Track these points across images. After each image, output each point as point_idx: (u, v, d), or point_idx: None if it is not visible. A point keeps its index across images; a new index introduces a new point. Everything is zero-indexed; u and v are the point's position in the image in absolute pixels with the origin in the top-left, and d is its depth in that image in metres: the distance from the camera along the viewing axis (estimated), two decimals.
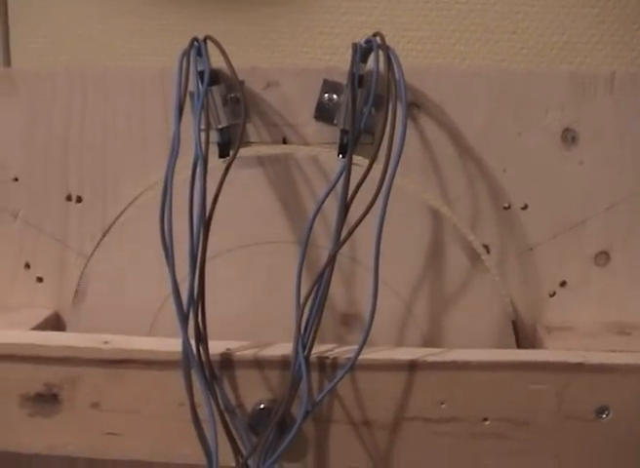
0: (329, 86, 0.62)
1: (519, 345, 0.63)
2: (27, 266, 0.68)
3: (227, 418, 0.56)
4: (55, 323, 0.67)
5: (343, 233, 0.55)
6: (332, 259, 0.54)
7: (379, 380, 0.55)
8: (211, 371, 0.55)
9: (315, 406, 0.55)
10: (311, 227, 0.56)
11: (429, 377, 0.55)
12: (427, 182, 0.63)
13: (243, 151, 0.60)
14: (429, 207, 0.62)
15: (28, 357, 0.57)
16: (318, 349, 0.56)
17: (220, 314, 0.57)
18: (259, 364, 0.56)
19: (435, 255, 0.62)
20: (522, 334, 0.64)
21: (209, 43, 0.60)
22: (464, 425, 0.55)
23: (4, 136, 0.66)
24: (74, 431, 0.58)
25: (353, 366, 0.54)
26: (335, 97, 0.62)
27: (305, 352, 0.54)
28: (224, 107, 0.61)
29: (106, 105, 0.64)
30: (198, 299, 0.53)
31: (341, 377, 0.54)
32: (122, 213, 0.64)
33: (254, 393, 0.56)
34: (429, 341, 0.63)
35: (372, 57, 0.58)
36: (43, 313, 0.67)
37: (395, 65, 0.57)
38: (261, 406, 0.56)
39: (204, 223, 0.53)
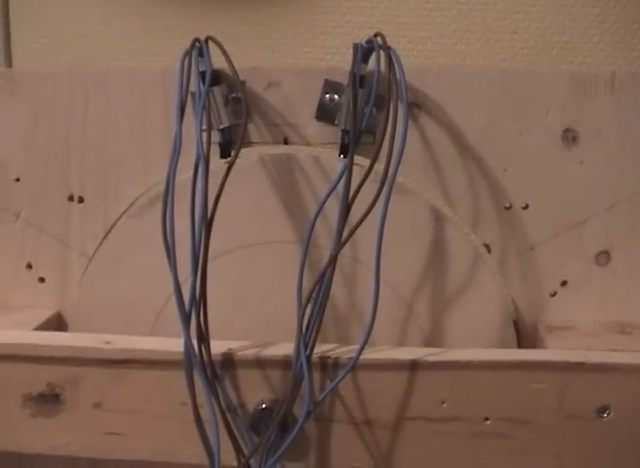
0: (330, 86, 0.62)
1: (520, 345, 0.64)
2: (29, 266, 0.68)
3: (229, 418, 0.56)
4: (57, 323, 0.68)
5: (345, 233, 0.55)
6: (333, 260, 0.54)
7: (380, 380, 0.55)
8: (213, 371, 0.55)
9: (317, 405, 0.55)
10: (313, 227, 0.57)
11: (431, 377, 0.55)
12: (428, 182, 0.63)
13: (244, 151, 0.61)
14: (430, 206, 0.62)
15: (31, 357, 0.57)
16: (320, 349, 0.56)
17: (221, 314, 0.57)
18: (260, 363, 0.56)
19: (436, 255, 0.62)
20: (523, 334, 0.64)
21: (210, 43, 0.60)
22: (466, 424, 0.55)
23: (6, 137, 0.66)
24: (76, 431, 0.58)
25: (355, 365, 0.54)
26: (336, 97, 0.62)
27: (307, 352, 0.54)
28: (226, 107, 0.61)
29: (108, 105, 0.65)
30: (200, 299, 0.53)
31: (343, 377, 0.54)
32: (124, 213, 0.64)
33: (255, 393, 0.56)
34: (430, 341, 0.63)
35: (373, 57, 0.59)
36: (45, 313, 0.67)
37: (396, 66, 0.57)
38: (263, 405, 0.56)
39: (206, 224, 0.53)
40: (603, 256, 0.64)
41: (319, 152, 0.62)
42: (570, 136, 0.62)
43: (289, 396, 0.54)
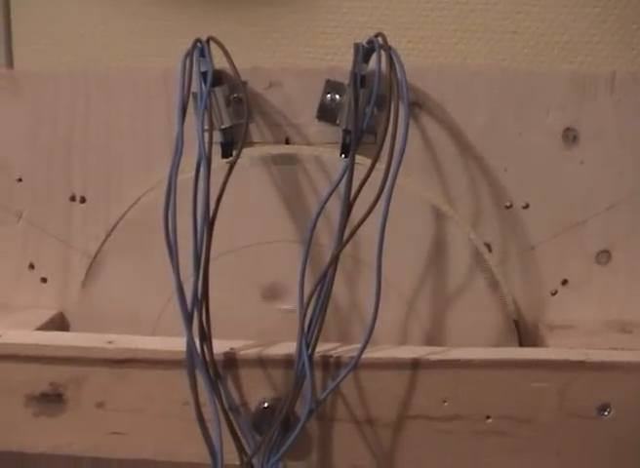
0: (331, 86, 0.62)
1: (521, 343, 0.64)
2: (31, 267, 0.68)
3: (231, 417, 0.56)
4: (59, 323, 0.68)
5: (346, 232, 0.55)
6: (335, 259, 0.54)
7: (382, 379, 0.56)
8: (215, 371, 0.55)
9: (319, 404, 0.55)
10: (314, 227, 0.57)
11: (432, 376, 0.55)
12: (429, 181, 0.63)
13: (246, 151, 0.61)
14: (431, 206, 0.62)
15: (33, 357, 0.57)
16: (322, 348, 0.56)
17: (223, 313, 0.57)
18: (262, 363, 0.56)
19: (437, 254, 0.62)
20: (524, 333, 0.64)
21: (211, 44, 0.60)
22: (467, 423, 0.56)
23: (8, 137, 0.66)
24: (79, 430, 0.58)
25: (356, 364, 0.54)
26: (337, 97, 0.62)
27: (309, 351, 0.54)
28: (227, 108, 0.61)
29: (110, 106, 0.65)
30: (202, 299, 0.54)
31: (345, 376, 0.54)
32: (126, 212, 0.64)
33: (258, 392, 0.56)
34: (432, 340, 0.63)
35: (374, 57, 0.59)
36: (47, 313, 0.67)
37: (397, 65, 0.57)
38: (265, 404, 0.56)
39: (208, 223, 0.53)
40: (603, 256, 0.64)
41: (320, 152, 0.62)
42: (570, 136, 0.62)
43: (291, 395, 0.54)
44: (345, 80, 0.61)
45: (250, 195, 0.62)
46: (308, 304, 0.55)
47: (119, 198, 0.66)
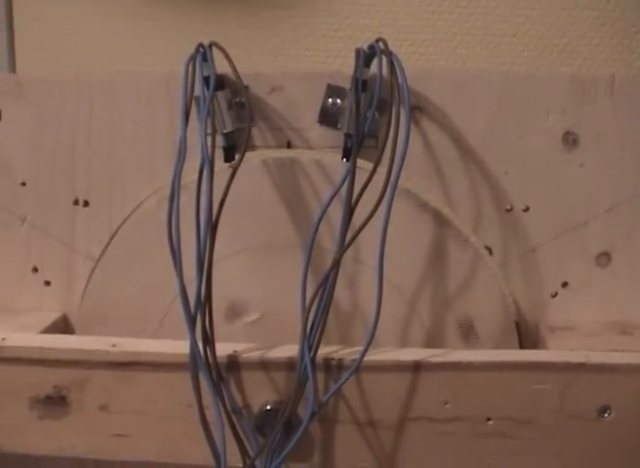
0: (333, 90, 0.62)
1: (522, 345, 0.64)
2: (35, 270, 0.68)
3: (234, 420, 0.56)
4: (63, 326, 0.68)
5: (348, 235, 0.55)
6: (336, 263, 0.55)
7: (384, 381, 0.56)
8: (218, 373, 0.55)
9: (321, 406, 0.55)
10: (316, 231, 0.57)
11: (433, 378, 0.55)
12: (430, 185, 0.64)
13: (248, 155, 0.61)
14: (432, 209, 0.62)
15: (37, 360, 0.58)
16: (324, 350, 0.56)
17: (225, 316, 0.58)
18: (265, 365, 0.56)
19: (438, 257, 0.62)
20: (525, 334, 0.65)
21: (213, 48, 0.61)
22: (468, 425, 0.56)
23: (12, 141, 0.67)
24: (83, 433, 0.59)
25: (358, 367, 0.54)
26: (338, 101, 0.62)
27: (311, 353, 0.55)
28: (229, 112, 0.62)
29: (113, 111, 0.65)
30: (205, 302, 0.54)
31: (347, 378, 0.54)
32: (129, 216, 0.65)
33: (260, 394, 0.57)
34: (433, 341, 0.63)
35: (375, 61, 0.59)
36: (51, 316, 0.67)
37: (398, 70, 0.58)
38: (268, 407, 0.57)
39: (211, 227, 0.54)
40: (603, 258, 0.64)
41: (322, 156, 0.63)
42: (570, 139, 0.63)
43: (293, 397, 0.55)
44: (347, 84, 0.61)
45: (251, 198, 0.63)
46: (310, 307, 0.55)
47: (122, 202, 0.66)
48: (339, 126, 0.62)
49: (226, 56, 0.60)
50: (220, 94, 0.61)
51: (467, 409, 0.56)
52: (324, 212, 0.57)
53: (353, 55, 0.60)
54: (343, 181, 0.56)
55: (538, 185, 0.63)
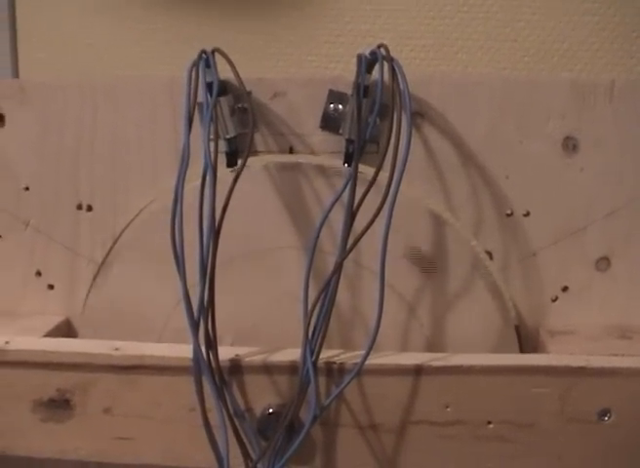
0: (334, 96, 0.63)
1: (522, 349, 0.64)
2: (39, 274, 0.69)
3: (237, 423, 0.56)
4: (66, 329, 0.68)
5: (349, 240, 0.55)
6: (338, 267, 0.55)
7: (385, 385, 0.56)
8: (221, 377, 0.56)
9: (323, 410, 0.56)
10: (318, 236, 0.57)
11: (434, 382, 0.56)
12: (431, 189, 0.64)
13: (251, 160, 0.61)
14: (433, 214, 0.62)
15: (41, 363, 0.58)
16: (325, 354, 0.56)
17: (228, 320, 0.58)
18: (267, 369, 0.57)
19: (439, 261, 0.63)
20: (525, 339, 0.65)
21: (216, 54, 0.61)
22: (469, 428, 0.56)
23: (16, 146, 0.67)
24: (86, 436, 0.59)
25: (360, 371, 0.55)
26: (340, 107, 0.63)
27: (313, 357, 0.55)
28: (232, 117, 0.62)
29: (116, 115, 0.66)
30: (208, 306, 0.54)
31: (349, 382, 0.55)
32: (132, 220, 0.65)
33: (263, 398, 0.57)
34: (433, 346, 0.64)
35: (376, 67, 0.59)
36: (54, 320, 0.68)
37: (399, 76, 0.58)
38: (270, 410, 0.57)
39: (214, 232, 0.54)
40: (603, 262, 0.64)
41: (324, 161, 0.63)
42: (570, 144, 0.63)
43: (295, 401, 0.55)
44: (349, 90, 0.61)
45: (254, 203, 0.63)
46: (312, 311, 0.56)
47: (125, 206, 0.66)
48: (340, 131, 0.62)
49: (229, 62, 0.60)
50: (222, 99, 0.61)
51: (468, 413, 0.56)
52: (326, 217, 0.57)
53: (355, 60, 0.61)
54: (345, 186, 0.57)
55: (538, 190, 0.64)
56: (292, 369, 0.56)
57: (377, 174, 0.55)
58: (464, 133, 0.63)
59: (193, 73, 0.59)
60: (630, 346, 0.62)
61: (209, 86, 0.59)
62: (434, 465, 0.57)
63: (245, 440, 0.57)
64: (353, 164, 0.57)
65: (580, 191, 0.64)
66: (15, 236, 0.68)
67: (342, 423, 0.57)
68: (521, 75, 0.72)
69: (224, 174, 0.60)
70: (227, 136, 0.62)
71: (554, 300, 0.65)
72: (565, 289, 0.65)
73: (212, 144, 0.56)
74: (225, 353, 0.56)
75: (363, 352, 0.55)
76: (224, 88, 0.61)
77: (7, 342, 0.59)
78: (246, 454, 0.56)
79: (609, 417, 0.55)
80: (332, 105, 0.63)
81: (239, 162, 0.60)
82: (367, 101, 0.60)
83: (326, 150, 0.64)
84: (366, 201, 0.55)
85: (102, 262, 0.65)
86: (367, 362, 0.55)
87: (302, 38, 0.75)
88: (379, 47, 0.59)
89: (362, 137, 0.58)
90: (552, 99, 0.63)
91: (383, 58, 0.59)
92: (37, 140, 0.67)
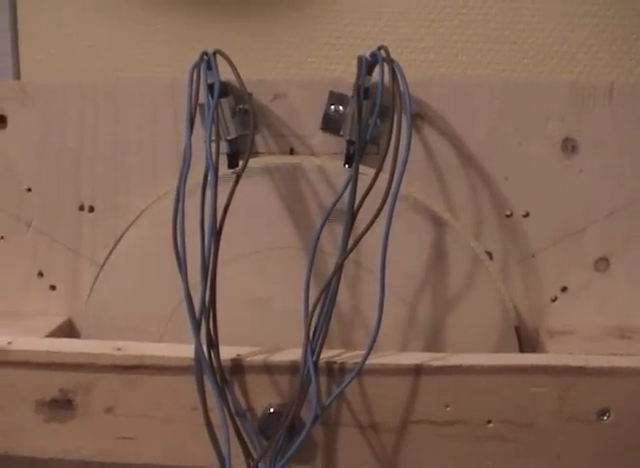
0: (335, 97, 0.63)
1: (521, 349, 0.64)
2: (41, 275, 0.69)
3: (238, 422, 0.57)
4: (68, 330, 0.69)
5: (350, 241, 0.56)
6: (339, 268, 0.55)
7: (385, 384, 0.56)
8: (222, 377, 0.56)
9: (324, 410, 0.56)
10: (319, 237, 0.58)
11: (434, 381, 0.56)
12: (432, 191, 0.64)
13: (251, 162, 0.61)
14: (433, 215, 0.63)
15: (43, 363, 0.58)
16: (326, 354, 0.57)
17: (229, 320, 0.58)
18: (268, 369, 0.57)
19: (439, 262, 0.63)
20: (525, 339, 0.65)
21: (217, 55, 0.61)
22: (469, 427, 0.56)
23: (18, 147, 0.67)
24: (88, 436, 0.59)
25: (361, 370, 0.55)
26: (341, 108, 0.63)
27: (314, 357, 0.55)
28: (233, 119, 0.62)
29: (117, 117, 0.66)
30: (210, 307, 0.55)
31: (349, 382, 0.55)
32: (134, 221, 0.65)
33: (264, 397, 0.57)
34: (433, 346, 0.64)
35: (377, 69, 0.60)
36: (56, 320, 0.68)
37: (399, 78, 0.58)
38: (271, 410, 0.57)
39: (215, 233, 0.54)
40: (602, 263, 0.65)
41: (324, 162, 0.63)
42: (569, 146, 0.63)
43: (296, 400, 0.55)
44: (349, 92, 0.62)
45: (255, 204, 0.63)
46: (313, 312, 0.56)
47: (127, 207, 0.66)
48: (341, 132, 0.63)
49: (230, 63, 0.60)
50: (223, 101, 0.61)
51: (468, 413, 0.56)
52: (326, 217, 0.57)
53: (355, 62, 0.61)
54: (346, 187, 0.57)
55: (537, 191, 0.64)
56: (293, 368, 0.56)
57: (377, 175, 0.55)
58: (464, 134, 0.64)
59: (194, 75, 0.59)
60: (629, 346, 0.62)
61: (210, 87, 0.60)
62: (434, 464, 0.58)
63: (246, 439, 0.57)
64: (354, 165, 0.57)
65: (580, 192, 0.64)
66: (17, 237, 0.69)
67: (343, 423, 0.57)
68: (520, 77, 0.73)
69: (226, 175, 0.60)
70: (228, 138, 0.62)
71: (554, 301, 0.66)
72: (564, 289, 0.65)
73: (213, 146, 0.56)
74: (227, 353, 0.56)
75: (363, 352, 0.55)
76: (225, 89, 0.62)
77: (9, 343, 0.59)
78: (247, 454, 0.57)
79: (608, 417, 0.56)
80: (332, 107, 0.63)
81: (240, 163, 0.60)
82: (367, 103, 0.60)
83: (326, 151, 0.64)
84: (367, 202, 0.55)
85: (104, 263, 0.66)
86: (367, 362, 0.55)
87: (302, 40, 0.76)
88: (379, 49, 0.60)
89: (362, 139, 0.59)
90: (551, 101, 0.63)
91: (384, 59, 0.59)
92: (39, 142, 0.67)
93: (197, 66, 0.59)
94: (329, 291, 0.56)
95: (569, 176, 0.64)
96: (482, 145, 0.64)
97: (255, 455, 0.57)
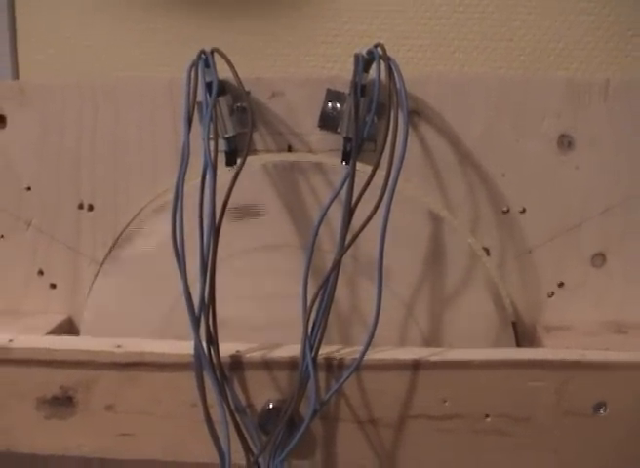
0: (332, 95, 0.63)
1: (519, 345, 0.65)
2: (41, 273, 0.69)
3: (238, 418, 0.57)
4: (68, 327, 0.69)
5: (348, 237, 0.56)
6: (337, 264, 0.56)
7: (383, 380, 0.57)
8: (222, 373, 0.56)
9: (323, 405, 0.56)
10: (317, 233, 0.58)
11: (432, 376, 0.56)
12: (429, 187, 0.65)
13: (249, 159, 0.62)
14: (430, 211, 0.63)
15: (44, 361, 0.58)
16: (325, 350, 0.57)
17: (228, 316, 0.59)
18: (267, 365, 0.57)
19: (436, 258, 0.63)
20: (522, 334, 0.66)
21: (215, 54, 0.62)
22: (467, 422, 0.57)
23: (17, 147, 0.68)
24: (89, 433, 0.60)
25: (359, 366, 0.55)
26: (338, 105, 0.63)
27: (313, 353, 0.55)
28: (231, 117, 0.62)
29: (117, 116, 0.66)
30: (209, 303, 0.55)
31: (348, 377, 0.55)
32: (133, 219, 0.66)
33: (263, 393, 0.58)
34: (431, 342, 0.64)
35: (374, 66, 0.60)
36: (57, 318, 0.68)
37: (396, 75, 0.58)
38: (271, 405, 0.57)
39: (214, 229, 0.55)
40: (598, 258, 0.65)
41: (322, 159, 0.64)
42: (565, 142, 0.64)
43: (295, 396, 0.56)
44: (346, 89, 0.62)
45: (252, 201, 0.63)
46: (312, 308, 0.56)
47: (126, 205, 0.67)
48: (338, 130, 0.63)
49: (228, 62, 0.60)
50: (221, 99, 0.62)
51: (466, 407, 0.57)
52: (324, 214, 0.58)
53: (352, 60, 0.61)
54: (343, 184, 0.57)
55: (534, 187, 0.64)
56: (292, 364, 0.57)
57: (374, 171, 0.55)
58: (461, 131, 0.64)
59: (192, 73, 0.59)
60: (626, 341, 0.62)
61: (208, 86, 0.60)
62: (433, 458, 0.58)
63: (246, 435, 0.57)
64: (351, 162, 0.57)
65: (576, 188, 0.64)
66: (17, 236, 0.69)
67: (342, 418, 0.58)
68: (517, 74, 0.73)
69: (223, 172, 0.60)
70: (226, 136, 0.62)
71: (550, 296, 0.66)
72: (561, 284, 0.66)
73: (211, 144, 0.57)
74: (226, 349, 0.57)
75: (361, 347, 0.55)
76: (223, 88, 0.62)
77: (10, 340, 0.59)
78: (247, 449, 0.57)
79: (604, 411, 0.56)
80: (330, 104, 0.63)
81: (238, 161, 0.60)
82: (364, 100, 0.60)
83: (324, 149, 0.65)
84: (364, 199, 0.55)
85: (103, 261, 0.66)
86: (366, 357, 0.55)
87: (300, 38, 0.76)
88: (375, 46, 0.60)
89: (360, 136, 0.59)
90: (548, 98, 0.63)
91: (380, 56, 0.59)
92: (38, 141, 0.67)
93: (195, 65, 0.60)
94: (327, 287, 0.56)
95: (565, 173, 0.64)
96: (479, 142, 0.64)
97: (254, 451, 0.57)
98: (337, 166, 0.63)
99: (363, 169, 0.58)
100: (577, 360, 0.56)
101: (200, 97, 0.60)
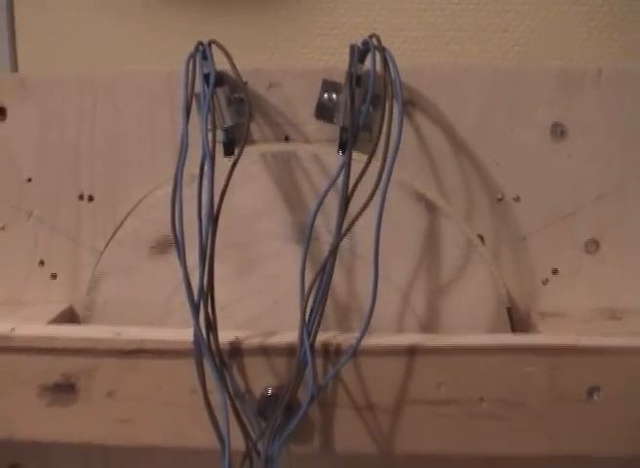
0: (328, 86, 0.64)
1: (514, 332, 0.65)
2: (42, 263, 0.70)
3: (237, 404, 0.57)
4: (69, 317, 0.69)
5: (344, 226, 0.57)
6: (334, 250, 0.56)
7: (380, 365, 0.57)
8: (221, 360, 0.57)
9: (320, 390, 0.57)
10: (314, 220, 0.58)
11: (429, 361, 0.57)
12: (424, 176, 0.65)
13: (247, 149, 0.61)
14: (426, 199, 0.64)
15: (46, 349, 0.59)
16: (322, 337, 0.57)
17: (224, 305, 0.59)
18: (266, 351, 0.58)
19: (432, 246, 0.64)
20: (517, 321, 0.66)
21: (212, 46, 0.62)
22: (463, 407, 0.57)
23: (18, 139, 0.68)
24: (90, 420, 0.60)
25: (356, 351, 0.56)
26: (334, 96, 0.64)
27: (310, 339, 0.56)
28: (229, 108, 0.63)
29: (116, 110, 0.67)
30: (208, 291, 0.55)
31: (345, 362, 0.56)
32: (132, 209, 0.66)
33: (261, 380, 0.58)
34: (427, 329, 0.65)
35: (369, 57, 0.61)
36: (58, 308, 0.69)
37: (391, 65, 0.59)
38: (269, 391, 0.58)
39: (212, 219, 0.55)
40: (592, 245, 0.65)
41: (319, 149, 0.64)
42: (558, 131, 0.64)
43: (293, 382, 0.56)
44: (342, 80, 0.63)
45: (249, 191, 0.64)
46: (309, 295, 0.57)
47: (126, 196, 0.67)
48: (334, 120, 0.64)
49: (225, 53, 0.61)
50: (219, 90, 0.62)
51: (461, 392, 0.57)
52: (321, 202, 0.58)
53: (348, 51, 0.62)
54: (339, 173, 0.57)
55: (528, 176, 0.65)
56: (290, 351, 0.57)
57: (369, 160, 0.56)
58: (456, 121, 0.65)
59: (190, 65, 0.60)
60: (620, 326, 0.63)
61: (206, 77, 0.60)
62: (430, 443, 0.58)
63: (245, 421, 0.58)
64: (347, 151, 0.57)
65: (569, 176, 0.65)
66: (18, 226, 0.69)
67: (339, 404, 0.58)
68: (511, 65, 0.73)
69: (222, 163, 0.60)
70: (224, 126, 0.63)
71: (545, 283, 0.66)
72: (555, 271, 0.66)
73: (210, 134, 0.57)
74: (225, 336, 0.57)
75: (358, 334, 0.56)
76: (221, 79, 0.62)
77: (12, 329, 0.60)
78: (246, 434, 0.57)
79: (598, 395, 0.56)
80: (326, 95, 0.64)
81: (236, 151, 0.61)
82: (360, 91, 0.61)
83: (320, 139, 0.65)
84: (360, 188, 0.56)
85: (103, 251, 0.67)
86: (362, 343, 0.56)
87: (298, 31, 0.76)
88: (371, 37, 0.61)
89: (355, 126, 0.59)
90: (541, 88, 0.64)
91: (375, 47, 0.60)
92: (38, 134, 0.68)
93: (193, 56, 0.60)
94: (324, 274, 0.57)
95: (558, 161, 0.65)
96: (473, 132, 0.65)
97: (253, 436, 0.57)
98: (333, 155, 0.63)
99: (359, 158, 0.59)
100: (571, 345, 0.56)
101: (198, 88, 0.60)
